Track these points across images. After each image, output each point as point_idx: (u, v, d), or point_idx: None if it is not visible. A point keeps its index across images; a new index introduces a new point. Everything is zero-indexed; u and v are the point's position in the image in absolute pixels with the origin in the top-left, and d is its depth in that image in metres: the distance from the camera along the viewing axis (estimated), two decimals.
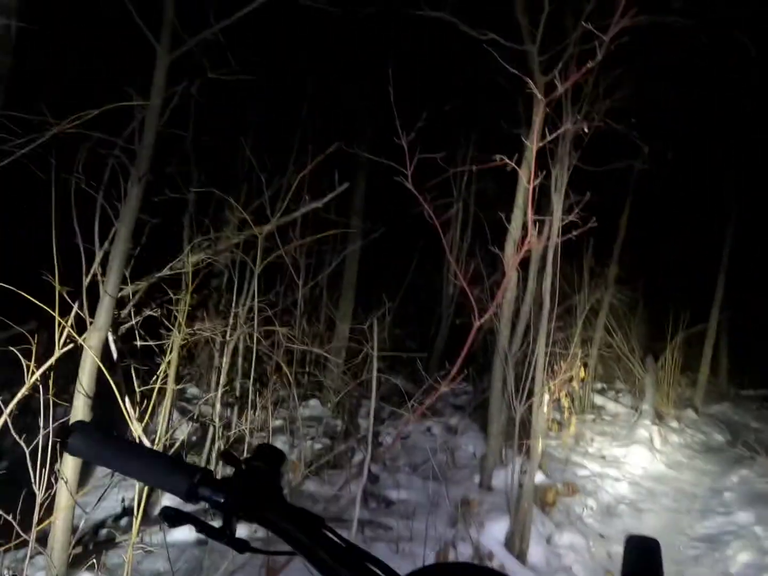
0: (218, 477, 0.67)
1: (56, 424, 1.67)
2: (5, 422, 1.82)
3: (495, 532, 3.03)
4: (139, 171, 2.18)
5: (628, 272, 6.10)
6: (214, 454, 2.68)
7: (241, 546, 0.64)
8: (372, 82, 3.08)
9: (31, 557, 1.93)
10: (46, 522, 1.60)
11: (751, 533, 3.27)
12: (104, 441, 0.69)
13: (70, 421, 1.87)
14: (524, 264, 3.65)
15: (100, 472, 2.78)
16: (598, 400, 5.99)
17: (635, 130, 3.72)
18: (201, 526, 0.63)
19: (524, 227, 3.25)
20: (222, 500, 0.63)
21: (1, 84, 2.00)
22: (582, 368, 4.47)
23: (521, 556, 2.92)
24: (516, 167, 2.87)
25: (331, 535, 0.62)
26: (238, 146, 3.01)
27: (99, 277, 2.24)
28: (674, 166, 5.11)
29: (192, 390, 4.41)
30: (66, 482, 1.71)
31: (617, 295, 6.13)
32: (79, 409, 1.87)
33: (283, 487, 0.68)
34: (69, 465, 1.72)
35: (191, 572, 2.31)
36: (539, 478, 3.74)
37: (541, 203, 3.53)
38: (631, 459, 4.64)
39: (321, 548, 0.60)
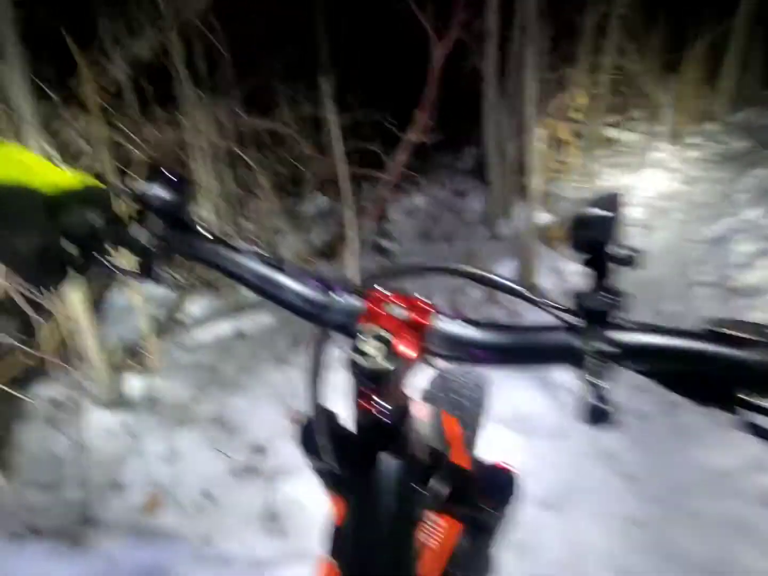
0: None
1: None
2: None
3: (503, 271, 3.20)
4: None
5: None
6: None
7: (161, 279, 0.61)
8: None
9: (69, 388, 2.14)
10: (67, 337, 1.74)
11: (756, 226, 3.31)
12: None
13: None
14: None
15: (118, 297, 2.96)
16: (611, 133, 5.69)
17: None
18: (118, 270, 0.59)
19: None
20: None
21: None
22: (586, 97, 4.11)
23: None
24: None
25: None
26: None
27: None
28: None
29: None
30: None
31: (629, 6, 5.31)
32: None
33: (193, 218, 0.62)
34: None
35: (228, 363, 2.59)
36: (545, 217, 3.78)
37: None
38: (643, 184, 4.57)
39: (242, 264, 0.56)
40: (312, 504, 1.69)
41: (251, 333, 2.29)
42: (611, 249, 0.48)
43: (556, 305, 0.50)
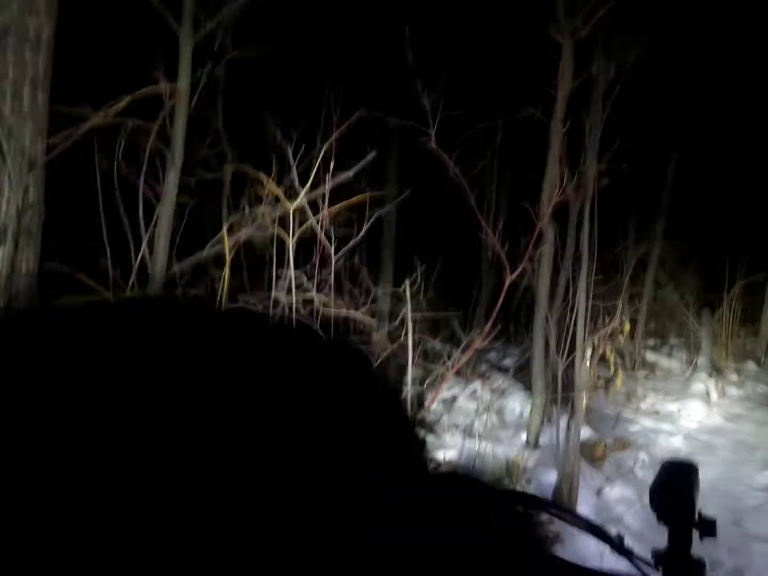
0: None
1: None
2: None
3: (542, 486, 3.07)
4: (173, 155, 2.28)
5: (678, 223, 5.83)
6: None
7: None
8: (391, 44, 3.06)
9: None
10: None
11: None
12: None
13: None
14: (564, 219, 3.57)
15: None
16: (651, 356, 5.83)
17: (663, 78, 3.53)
18: None
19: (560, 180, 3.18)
20: None
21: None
22: (629, 323, 4.36)
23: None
24: (544, 118, 2.80)
25: None
26: (265, 123, 3.08)
27: (147, 259, 2.39)
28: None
29: None
30: None
31: (667, 248, 5.89)
32: None
33: None
34: None
35: None
36: (588, 433, 3.73)
37: (579, 157, 3.43)
38: (686, 413, 4.53)
39: None
40: None
41: None
42: (695, 519, 0.52)
43: (641, 558, 0.52)
